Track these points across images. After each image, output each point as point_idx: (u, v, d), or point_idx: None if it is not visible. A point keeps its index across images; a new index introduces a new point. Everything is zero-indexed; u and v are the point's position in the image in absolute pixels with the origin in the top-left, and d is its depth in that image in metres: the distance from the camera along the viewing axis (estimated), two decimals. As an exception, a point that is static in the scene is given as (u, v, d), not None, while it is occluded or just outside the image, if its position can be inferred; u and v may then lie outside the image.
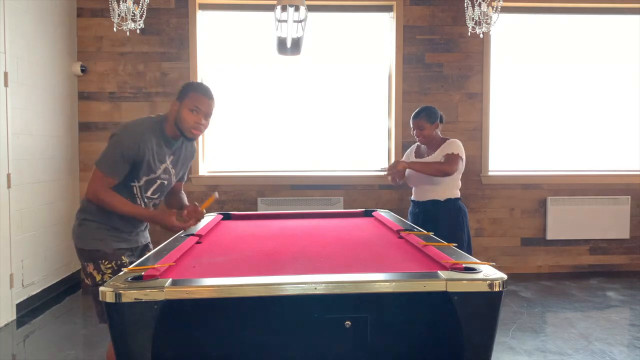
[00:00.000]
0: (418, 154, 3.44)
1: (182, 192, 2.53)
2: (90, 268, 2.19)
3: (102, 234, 2.20)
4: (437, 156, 3.24)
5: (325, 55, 5.09)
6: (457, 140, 3.27)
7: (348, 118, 5.15)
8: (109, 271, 2.18)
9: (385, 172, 3.31)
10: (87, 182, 5.04)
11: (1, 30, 3.65)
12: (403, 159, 3.59)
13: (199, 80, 4.91)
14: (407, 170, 3.36)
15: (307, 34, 3.61)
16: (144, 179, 2.21)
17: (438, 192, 3.25)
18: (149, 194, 2.27)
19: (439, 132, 3.35)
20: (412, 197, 3.42)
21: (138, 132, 2.16)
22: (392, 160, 5.04)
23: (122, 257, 2.21)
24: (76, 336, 3.54)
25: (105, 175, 2.12)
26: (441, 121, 3.35)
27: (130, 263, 2.20)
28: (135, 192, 2.22)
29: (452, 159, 3.16)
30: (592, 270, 5.12)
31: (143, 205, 2.27)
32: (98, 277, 2.17)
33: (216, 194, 2.29)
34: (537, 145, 5.23)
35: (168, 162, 2.27)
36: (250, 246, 2.41)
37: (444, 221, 3.18)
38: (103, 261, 2.18)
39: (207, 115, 2.22)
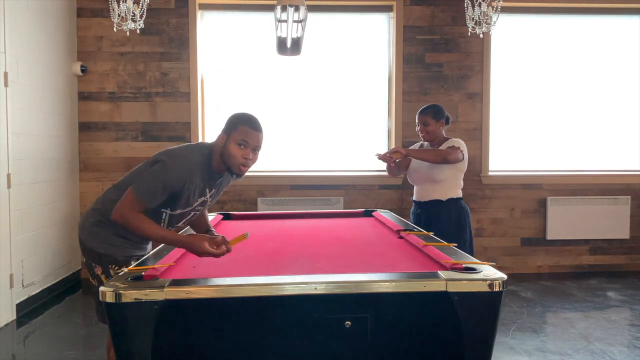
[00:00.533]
0: None
1: (205, 209, 2.42)
2: (99, 271, 2.16)
3: (117, 241, 2.16)
4: None
5: (325, 56, 5.09)
6: (460, 140, 3.25)
7: (348, 118, 5.14)
8: None
9: (378, 156, 3.22)
10: (87, 181, 5.06)
11: (1, 30, 3.65)
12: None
13: (198, 79, 4.91)
14: (410, 166, 3.36)
15: (307, 34, 3.60)
16: (179, 211, 2.11)
17: (440, 191, 3.22)
18: (179, 224, 2.19)
19: (443, 132, 3.31)
20: (414, 197, 3.40)
21: (187, 168, 2.01)
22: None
23: (132, 262, 2.16)
24: (76, 336, 3.54)
25: (140, 200, 1.99)
26: (447, 122, 3.31)
27: None
28: (163, 217, 2.12)
29: (452, 149, 3.12)
30: (592, 270, 5.12)
31: (166, 228, 2.16)
32: (105, 281, 2.14)
33: (248, 234, 2.10)
34: (537, 145, 5.23)
35: (208, 195, 2.16)
36: (250, 246, 2.41)
37: (446, 221, 3.16)
38: (112, 266, 2.15)
39: (256, 149, 2.06)
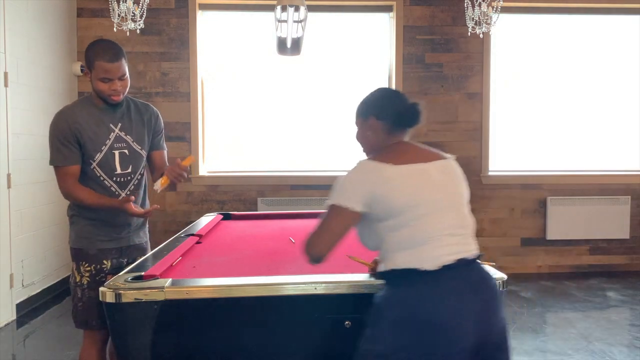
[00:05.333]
0: None
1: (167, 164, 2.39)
2: (74, 267, 2.17)
3: (89, 231, 2.15)
4: None
5: (325, 56, 5.09)
6: (356, 168, 1.58)
7: (348, 118, 5.13)
8: (87, 274, 2.13)
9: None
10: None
11: (1, 30, 3.65)
12: None
13: (198, 79, 4.90)
14: None
15: (307, 34, 3.60)
16: (99, 155, 2.11)
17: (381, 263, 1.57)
18: (118, 170, 2.15)
19: (383, 135, 1.65)
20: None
21: (62, 113, 2.14)
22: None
23: (104, 260, 2.15)
24: (76, 336, 3.53)
25: (62, 166, 2.09)
26: (395, 121, 1.63)
27: (114, 266, 2.16)
28: (98, 174, 2.12)
29: (318, 225, 1.54)
30: (592, 270, 5.12)
31: (117, 185, 2.16)
32: (77, 278, 2.14)
33: (193, 158, 2.28)
34: (537, 145, 5.23)
35: (116, 129, 2.15)
36: (250, 246, 2.42)
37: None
38: (83, 263, 2.14)
39: (121, 77, 2.07)
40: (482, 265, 1.54)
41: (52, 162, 2.12)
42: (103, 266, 2.15)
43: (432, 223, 1.47)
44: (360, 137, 1.73)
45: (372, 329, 1.46)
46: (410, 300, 1.42)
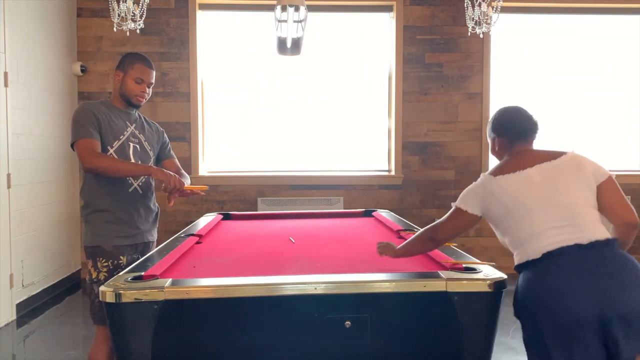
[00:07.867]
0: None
1: (183, 171, 2.55)
2: (90, 265, 2.22)
3: (105, 228, 2.21)
4: None
5: (325, 56, 5.09)
6: (477, 180, 1.92)
7: (348, 118, 5.15)
8: (105, 269, 2.18)
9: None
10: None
11: (1, 30, 3.65)
12: None
13: (198, 79, 4.91)
14: None
15: (307, 34, 3.60)
16: (117, 142, 2.25)
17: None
18: (132, 160, 2.29)
19: (508, 147, 2.02)
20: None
21: (85, 104, 2.31)
22: (393, 160, 5.04)
23: (121, 256, 2.21)
24: (76, 336, 3.54)
25: (85, 138, 2.15)
26: (509, 136, 2.02)
27: (129, 262, 2.20)
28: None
29: (444, 217, 1.90)
30: (592, 270, 5.11)
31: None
32: (94, 274, 2.19)
33: (203, 191, 2.42)
34: (536, 145, 5.22)
35: (132, 127, 2.34)
36: (250, 246, 2.42)
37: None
38: (100, 259, 2.19)
39: (150, 85, 2.33)
40: (609, 248, 1.67)
41: (74, 138, 2.18)
42: (119, 262, 2.20)
43: (531, 222, 1.73)
44: (492, 152, 2.06)
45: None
46: (523, 287, 1.70)
